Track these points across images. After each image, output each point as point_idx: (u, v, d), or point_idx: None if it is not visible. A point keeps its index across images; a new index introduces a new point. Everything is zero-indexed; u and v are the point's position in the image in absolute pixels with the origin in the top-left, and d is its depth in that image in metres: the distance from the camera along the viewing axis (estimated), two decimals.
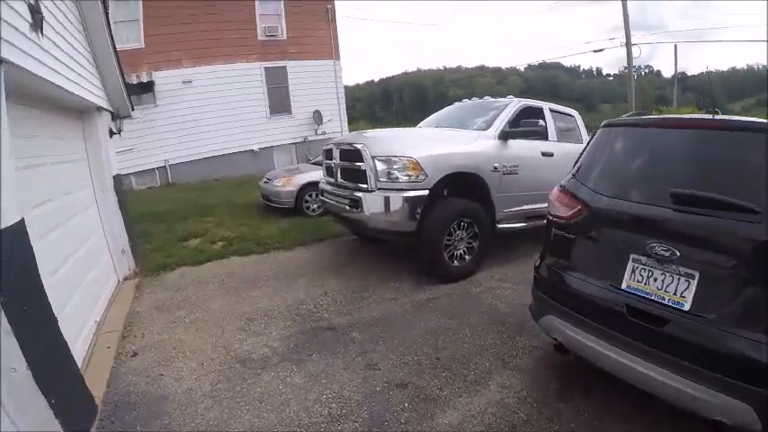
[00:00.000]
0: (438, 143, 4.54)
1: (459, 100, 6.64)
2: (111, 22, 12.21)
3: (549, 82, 70.43)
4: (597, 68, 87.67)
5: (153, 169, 13.70)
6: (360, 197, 4.24)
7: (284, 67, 15.13)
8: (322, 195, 5.29)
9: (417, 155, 4.11)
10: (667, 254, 1.92)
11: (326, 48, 15.75)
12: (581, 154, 2.65)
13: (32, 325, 2.03)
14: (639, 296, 2.01)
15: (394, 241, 4.73)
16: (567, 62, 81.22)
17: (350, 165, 4.51)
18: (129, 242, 5.00)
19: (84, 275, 3.65)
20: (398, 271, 4.75)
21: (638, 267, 2.06)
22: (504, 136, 4.77)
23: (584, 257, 2.36)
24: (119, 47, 12.16)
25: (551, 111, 5.64)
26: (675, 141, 2.21)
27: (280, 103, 15.22)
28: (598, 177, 2.42)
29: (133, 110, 5.58)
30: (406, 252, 4.92)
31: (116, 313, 3.97)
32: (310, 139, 15.57)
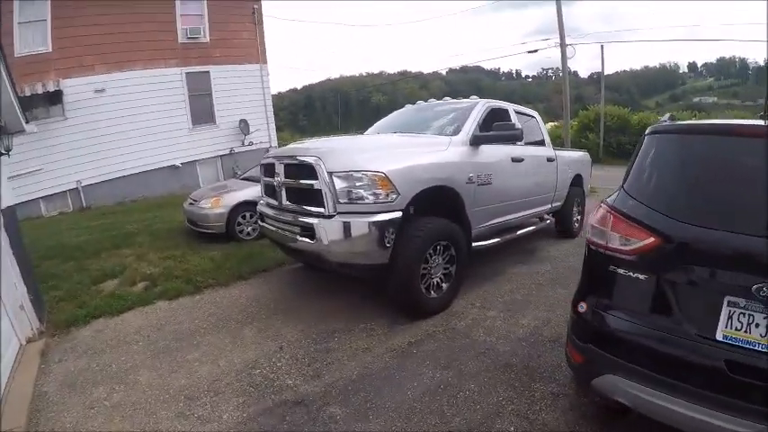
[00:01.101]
0: (407, 153, 3.78)
1: (381, 106, 6.09)
2: (15, 22, 10.53)
3: (471, 85, 72.92)
4: (517, 71, 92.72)
5: (64, 192, 11.74)
6: (314, 224, 3.43)
7: (207, 73, 13.71)
8: (262, 222, 4.35)
9: (387, 168, 3.35)
10: None
11: (252, 51, 14.50)
12: (630, 166, 2.07)
13: None
14: (741, 347, 1.62)
15: (359, 276, 3.91)
16: (487, 65, 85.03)
17: (299, 183, 3.68)
18: (30, 293, 3.78)
19: None
20: (362, 307, 4.00)
21: (735, 312, 1.65)
22: (477, 141, 4.18)
23: (657, 301, 1.81)
24: (23, 51, 10.65)
25: (516, 112, 5.18)
26: None
27: (203, 112, 13.78)
28: (671, 199, 1.87)
29: (27, 122, 4.34)
30: (364, 281, 4.15)
31: (17, 397, 2.83)
32: (237, 150, 14.28)
